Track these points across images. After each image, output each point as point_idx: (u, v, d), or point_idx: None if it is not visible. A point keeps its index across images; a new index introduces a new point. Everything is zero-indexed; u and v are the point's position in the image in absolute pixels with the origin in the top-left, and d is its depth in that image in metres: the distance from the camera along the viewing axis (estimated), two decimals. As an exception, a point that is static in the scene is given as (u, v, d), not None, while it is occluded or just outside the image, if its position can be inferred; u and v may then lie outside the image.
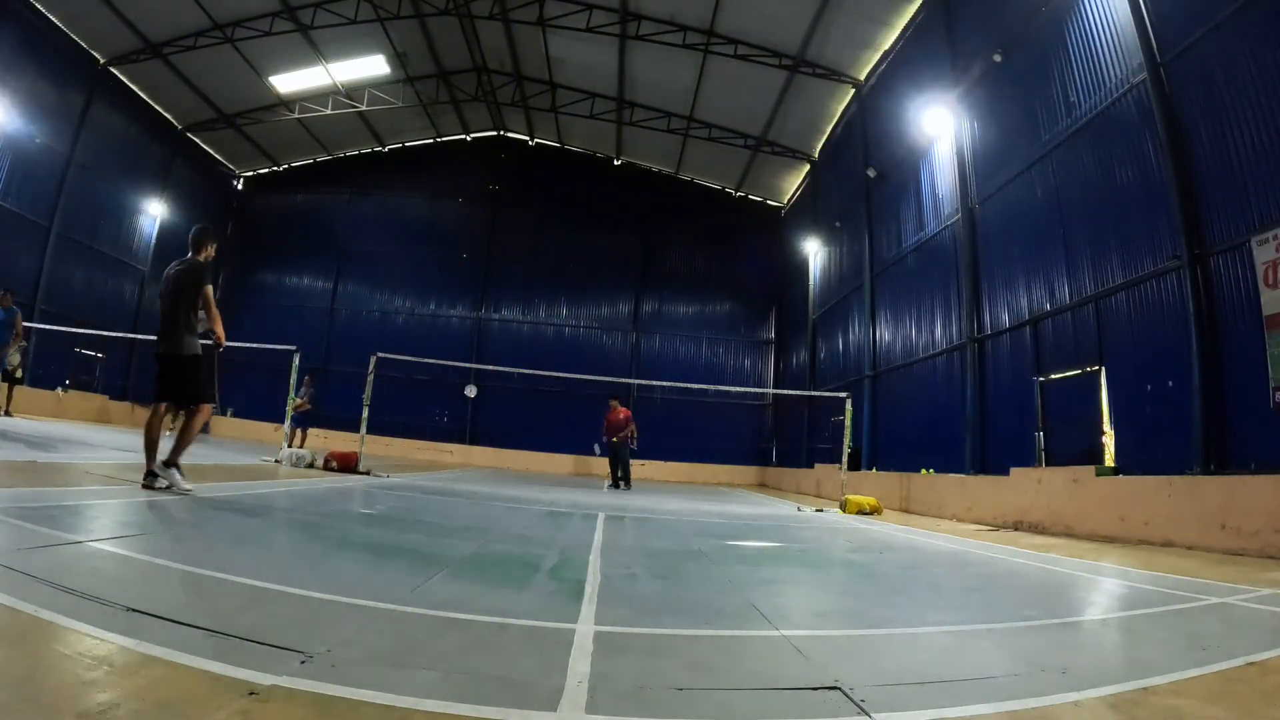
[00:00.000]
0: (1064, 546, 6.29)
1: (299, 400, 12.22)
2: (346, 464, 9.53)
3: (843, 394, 12.46)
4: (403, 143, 25.83)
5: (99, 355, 19.30)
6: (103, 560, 2.52)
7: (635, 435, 13.18)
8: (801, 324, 21.91)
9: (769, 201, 25.60)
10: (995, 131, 11.71)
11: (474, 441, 23.20)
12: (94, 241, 19.10)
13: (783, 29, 16.63)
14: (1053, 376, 9.83)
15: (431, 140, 25.91)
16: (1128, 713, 1.70)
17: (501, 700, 1.52)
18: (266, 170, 26.08)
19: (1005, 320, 11.10)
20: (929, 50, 13.96)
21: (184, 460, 4.84)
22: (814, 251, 21.07)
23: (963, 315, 12.19)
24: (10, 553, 2.34)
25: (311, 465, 9.51)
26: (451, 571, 3.11)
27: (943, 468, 11.84)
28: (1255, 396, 6.56)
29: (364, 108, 22.14)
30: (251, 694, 1.40)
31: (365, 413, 10.47)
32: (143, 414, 20.07)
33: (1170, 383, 7.65)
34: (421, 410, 23.35)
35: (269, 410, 19.61)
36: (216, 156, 24.39)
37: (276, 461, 9.62)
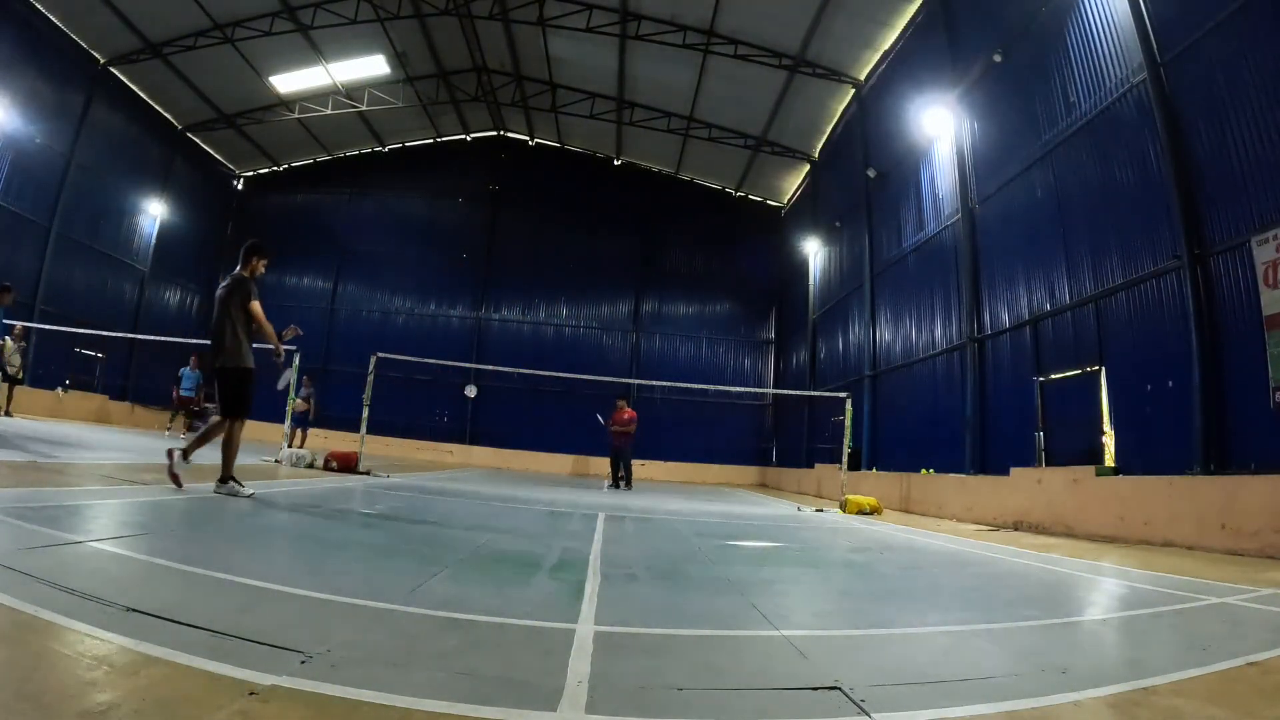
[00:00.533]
0: (1064, 546, 6.29)
1: (299, 400, 12.25)
2: (346, 464, 9.54)
3: (843, 394, 12.45)
4: (403, 143, 25.80)
5: (99, 355, 19.27)
6: (103, 560, 2.52)
7: (631, 432, 13.23)
8: (801, 324, 21.90)
9: (769, 201, 25.58)
10: (995, 131, 11.70)
11: (474, 441, 23.18)
12: (94, 241, 19.07)
13: (783, 29, 16.62)
14: (1053, 376, 9.83)
15: (431, 140, 25.88)
16: (1128, 713, 1.70)
17: (501, 700, 1.52)
18: (266, 170, 26.06)
19: (1005, 320, 11.10)
20: (929, 50, 13.96)
21: (192, 460, 5.19)
22: (814, 251, 21.07)
23: (963, 315, 12.18)
24: (11, 553, 2.34)
25: (311, 465, 9.52)
26: (451, 571, 3.11)
27: (943, 468, 11.84)
28: (1255, 396, 6.55)
29: (364, 108, 22.12)
30: (251, 694, 1.40)
31: (365, 413, 10.47)
32: (143, 414, 20.01)
33: (1170, 383, 7.65)
34: (421, 410, 23.33)
35: (269, 410, 19.57)
36: (216, 156, 24.37)
37: (276, 461, 9.62)
